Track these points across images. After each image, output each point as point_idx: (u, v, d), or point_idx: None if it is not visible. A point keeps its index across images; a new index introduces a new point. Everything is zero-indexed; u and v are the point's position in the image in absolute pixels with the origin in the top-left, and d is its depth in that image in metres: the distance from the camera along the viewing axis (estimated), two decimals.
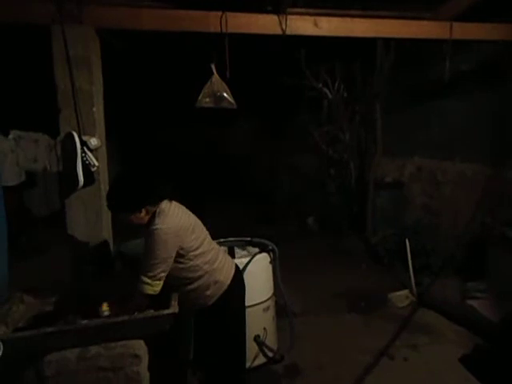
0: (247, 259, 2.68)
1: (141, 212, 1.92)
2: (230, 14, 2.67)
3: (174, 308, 1.87)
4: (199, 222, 2.14)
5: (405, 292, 3.95)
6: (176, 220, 1.94)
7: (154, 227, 1.88)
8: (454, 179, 4.54)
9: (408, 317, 3.57)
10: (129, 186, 1.96)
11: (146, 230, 1.92)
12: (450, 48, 3.19)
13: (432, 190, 4.92)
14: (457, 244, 4.24)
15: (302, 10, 2.88)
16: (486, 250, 3.68)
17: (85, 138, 2.45)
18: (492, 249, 3.62)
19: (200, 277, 2.05)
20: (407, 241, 4.14)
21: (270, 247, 2.85)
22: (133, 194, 1.93)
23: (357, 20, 2.95)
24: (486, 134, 4.04)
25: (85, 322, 1.87)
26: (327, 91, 5.66)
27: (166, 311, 1.85)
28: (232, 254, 2.71)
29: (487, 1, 2.88)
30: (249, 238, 3.04)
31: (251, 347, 2.66)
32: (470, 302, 3.36)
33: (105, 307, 1.99)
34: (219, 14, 2.66)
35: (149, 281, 1.86)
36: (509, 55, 3.64)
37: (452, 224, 4.47)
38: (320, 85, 5.61)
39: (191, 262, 2.00)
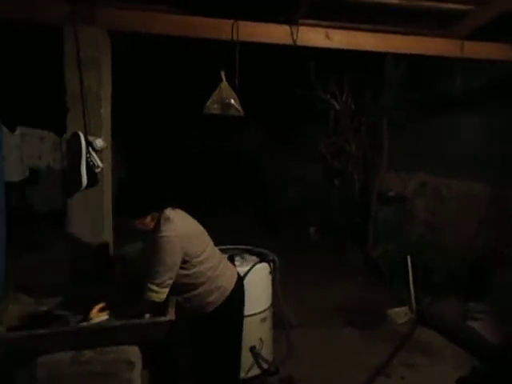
0: (247, 268, 2.65)
1: (146, 218, 1.93)
2: (241, 23, 2.68)
3: (170, 315, 1.85)
4: (203, 229, 2.15)
5: (404, 309, 3.91)
6: (182, 227, 1.96)
7: (161, 235, 1.89)
8: (458, 197, 4.51)
9: (406, 334, 3.53)
10: (135, 192, 1.99)
11: (152, 237, 1.92)
12: (460, 66, 3.19)
13: (436, 207, 4.89)
14: (459, 262, 4.19)
15: (315, 22, 2.88)
16: (489, 271, 3.64)
17: (91, 138, 2.45)
18: (495, 270, 3.58)
19: (203, 283, 2.05)
20: (408, 257, 4.10)
21: (271, 257, 2.83)
22: (138, 199, 1.95)
23: (369, 34, 2.95)
24: (493, 152, 4.02)
25: (80, 324, 1.85)
26: (335, 102, 5.67)
27: (163, 318, 1.83)
28: (232, 263, 2.68)
29: (499, 21, 2.86)
30: (249, 247, 3.03)
31: (246, 358, 2.63)
32: (470, 322, 3.32)
33: (96, 312, 1.97)
34: (231, 22, 2.67)
35: (156, 288, 1.86)
36: None
37: (455, 242, 4.43)
38: (328, 96, 5.61)
39: (195, 269, 2.01)
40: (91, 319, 1.92)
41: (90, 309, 1.96)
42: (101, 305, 1.98)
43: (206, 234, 2.17)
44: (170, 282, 1.89)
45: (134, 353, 1.79)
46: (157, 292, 1.86)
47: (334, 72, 5.39)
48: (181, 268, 1.96)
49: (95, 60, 2.52)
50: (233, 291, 2.13)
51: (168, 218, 1.95)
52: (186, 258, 1.96)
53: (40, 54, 4.03)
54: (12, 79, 4.40)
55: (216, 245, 2.26)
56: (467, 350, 3.18)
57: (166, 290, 1.89)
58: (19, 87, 4.69)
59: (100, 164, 2.46)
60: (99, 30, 2.55)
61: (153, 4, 2.69)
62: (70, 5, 2.43)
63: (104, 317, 1.94)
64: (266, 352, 2.80)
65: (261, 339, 2.75)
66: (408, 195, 5.37)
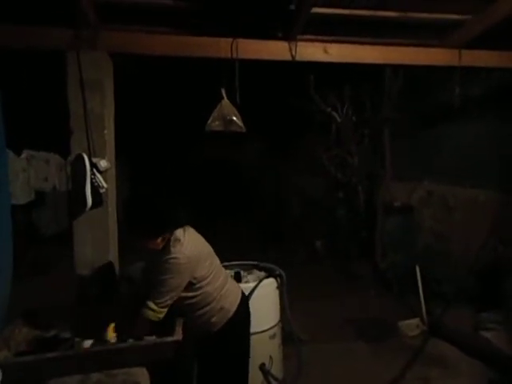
0: (254, 284, 2.63)
1: (157, 239, 1.92)
2: (240, 41, 2.72)
3: (177, 335, 1.83)
4: (211, 249, 2.14)
5: (415, 321, 3.85)
6: (191, 250, 1.93)
7: (170, 256, 1.87)
8: (465, 205, 4.48)
9: (419, 347, 3.46)
10: (148, 215, 1.93)
11: (160, 257, 1.91)
12: (458, 75, 3.21)
13: (442, 216, 4.85)
14: (469, 271, 4.14)
15: (312, 37, 2.92)
16: (500, 279, 3.58)
17: (95, 159, 2.47)
18: (505, 278, 3.52)
19: (208, 304, 2.03)
20: (417, 267, 4.05)
21: (278, 272, 2.80)
22: (152, 222, 1.91)
23: (366, 47, 2.98)
24: (497, 159, 4.00)
25: (87, 347, 1.84)
26: (336, 115, 5.70)
27: (170, 338, 1.81)
28: (238, 279, 2.67)
29: (496, 29, 2.88)
30: (256, 262, 3.00)
31: (256, 376, 2.58)
32: (483, 333, 3.25)
33: (110, 332, 1.96)
34: (230, 40, 2.71)
35: (155, 307, 1.85)
36: None
37: (464, 250, 4.38)
38: (329, 109, 5.65)
39: (201, 290, 1.99)
40: (108, 340, 1.91)
41: (103, 330, 1.94)
42: (111, 326, 1.97)
43: (214, 254, 2.16)
44: (170, 302, 1.88)
45: (141, 374, 1.77)
46: (155, 311, 1.85)
47: (334, 85, 5.44)
48: (187, 290, 1.95)
49: (98, 83, 2.56)
50: (236, 311, 2.11)
51: (178, 240, 1.93)
52: (193, 281, 1.94)
53: (43, 78, 4.10)
54: (17, 103, 4.48)
55: (221, 260, 2.25)
56: (482, 362, 3.10)
57: (165, 311, 1.87)
58: (24, 111, 4.77)
59: (104, 185, 2.47)
60: (101, 53, 2.60)
61: (153, 26, 2.74)
62: (73, 30, 2.49)
63: (113, 339, 1.93)
64: (276, 369, 2.75)
65: (270, 357, 2.70)
66: (414, 205, 5.34)
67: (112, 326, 1.97)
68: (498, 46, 3.14)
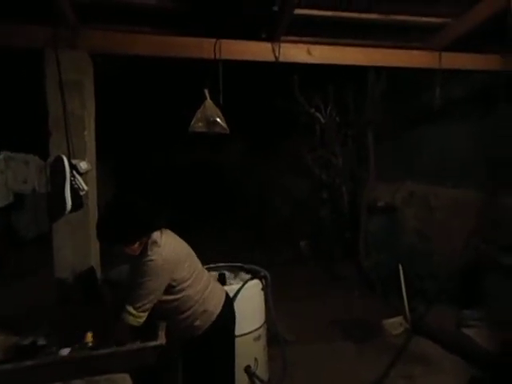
0: (238, 286, 2.61)
1: (134, 244, 1.88)
2: (223, 41, 2.71)
3: (161, 339, 1.80)
4: (191, 251, 2.11)
5: (398, 319, 3.89)
6: (169, 252, 1.91)
7: (147, 259, 1.84)
8: (446, 204, 4.55)
9: (402, 345, 3.50)
10: (123, 220, 1.89)
11: (138, 260, 1.88)
12: (439, 77, 3.26)
13: (425, 215, 4.92)
14: (450, 270, 4.21)
15: (296, 38, 2.93)
16: (481, 277, 3.65)
17: (74, 161, 2.42)
18: (487, 276, 3.59)
19: (190, 307, 2.00)
20: (400, 266, 4.10)
21: (262, 273, 2.79)
22: (128, 228, 1.87)
23: (349, 49, 3.01)
24: (478, 159, 4.08)
25: (67, 354, 1.79)
26: (320, 116, 5.72)
27: (153, 343, 1.78)
28: (223, 281, 2.64)
29: (475, 33, 2.94)
30: (240, 264, 2.99)
31: (241, 378, 2.57)
32: (465, 330, 3.31)
33: (89, 338, 1.91)
34: (213, 41, 2.69)
35: (134, 312, 1.81)
36: (498, 83, 3.72)
37: (446, 249, 4.45)
38: (313, 109, 5.67)
39: (182, 293, 1.96)
40: (88, 344, 1.87)
41: (82, 337, 1.90)
42: (90, 335, 1.93)
43: (195, 255, 2.13)
44: (149, 306, 1.84)
45: (124, 381, 1.73)
46: (134, 316, 1.81)
47: (318, 86, 5.46)
48: (168, 293, 1.92)
49: (78, 83, 2.52)
50: (220, 314, 2.08)
51: (155, 242, 1.90)
52: (173, 284, 1.91)
53: (21, 78, 4.00)
54: None
55: (205, 262, 2.22)
56: (464, 359, 3.16)
57: (145, 315, 1.83)
58: (1, 112, 4.64)
59: (85, 187, 2.43)
60: (81, 52, 2.55)
61: (134, 25, 2.71)
62: (51, 29, 2.43)
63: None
64: (262, 371, 2.74)
65: (256, 358, 2.69)
66: (397, 205, 5.40)
67: (90, 334, 1.92)
68: (478, 48, 3.21)
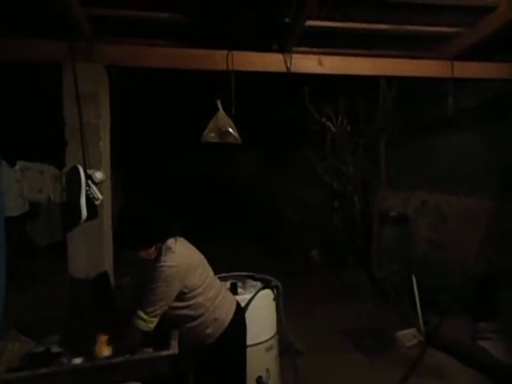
0: (250, 296, 2.61)
1: (150, 249, 1.92)
2: (235, 53, 2.74)
3: (173, 349, 1.81)
4: (203, 259, 2.13)
5: (412, 330, 3.83)
6: (182, 258, 1.93)
7: (160, 264, 1.87)
8: (459, 213, 4.49)
9: (417, 358, 3.44)
10: (139, 225, 1.94)
11: (151, 266, 1.90)
12: (451, 86, 3.25)
13: (437, 225, 4.87)
14: (465, 280, 4.14)
15: (307, 49, 2.96)
16: (496, 288, 3.58)
17: (90, 171, 2.46)
18: (502, 287, 3.53)
19: (201, 315, 2.00)
20: (414, 277, 4.05)
21: (274, 283, 2.78)
22: (143, 232, 1.92)
23: (360, 59, 3.02)
24: (490, 168, 4.03)
25: (81, 362, 1.81)
26: (331, 125, 5.73)
27: (166, 352, 1.79)
28: (234, 290, 2.64)
29: (488, 42, 2.93)
30: (252, 273, 2.99)
31: None
32: (481, 342, 3.24)
33: (103, 345, 1.93)
34: (225, 52, 2.73)
35: (145, 317, 1.83)
36: (510, 91, 3.69)
37: (459, 259, 4.38)
38: (324, 119, 5.68)
39: (193, 300, 1.97)
40: (97, 356, 1.88)
41: (94, 344, 1.92)
42: (104, 339, 1.94)
43: (207, 263, 2.15)
44: (160, 312, 1.86)
45: None
46: (145, 321, 1.82)
47: (329, 96, 5.48)
48: (179, 300, 1.93)
49: (93, 95, 2.57)
50: (231, 322, 2.08)
51: (170, 248, 1.93)
52: (185, 290, 1.93)
53: (39, 89, 4.11)
54: (11, 114, 4.47)
55: (216, 272, 2.23)
56: (480, 372, 3.09)
57: (155, 320, 1.85)
58: (19, 122, 4.76)
59: (100, 196, 2.47)
60: (97, 65, 2.61)
61: (148, 38, 2.77)
62: (68, 43, 2.50)
63: (107, 352, 1.90)
64: (273, 382, 2.72)
65: (267, 369, 2.66)
66: (409, 214, 5.35)
67: (105, 338, 1.94)
68: (490, 57, 3.19)
